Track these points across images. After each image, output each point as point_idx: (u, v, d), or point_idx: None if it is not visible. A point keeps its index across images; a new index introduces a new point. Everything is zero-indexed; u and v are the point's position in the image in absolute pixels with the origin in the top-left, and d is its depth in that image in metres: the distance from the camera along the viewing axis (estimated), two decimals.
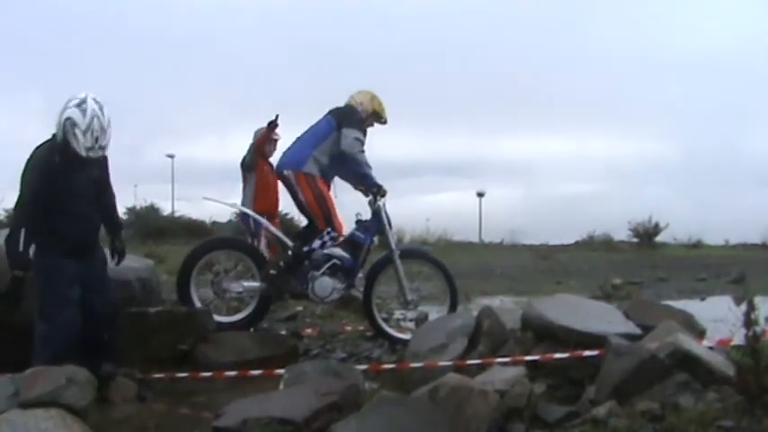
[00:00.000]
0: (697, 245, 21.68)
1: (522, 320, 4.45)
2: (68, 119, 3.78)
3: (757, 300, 3.03)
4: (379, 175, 5.41)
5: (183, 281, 5.20)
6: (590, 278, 10.75)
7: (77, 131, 3.77)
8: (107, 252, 4.30)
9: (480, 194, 32.75)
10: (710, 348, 3.72)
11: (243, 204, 6.83)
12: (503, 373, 3.53)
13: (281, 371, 3.97)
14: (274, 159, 6.36)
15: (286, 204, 6.84)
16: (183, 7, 68.89)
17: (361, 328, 6.14)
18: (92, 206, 4.05)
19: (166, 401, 4.20)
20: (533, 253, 16.54)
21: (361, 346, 5.61)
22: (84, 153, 3.80)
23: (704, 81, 58.85)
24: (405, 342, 5.05)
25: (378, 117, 5.55)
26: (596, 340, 3.80)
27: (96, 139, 3.80)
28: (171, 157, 37.15)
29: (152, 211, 29.79)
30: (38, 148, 3.89)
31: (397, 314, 7.35)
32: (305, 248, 5.22)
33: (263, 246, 6.47)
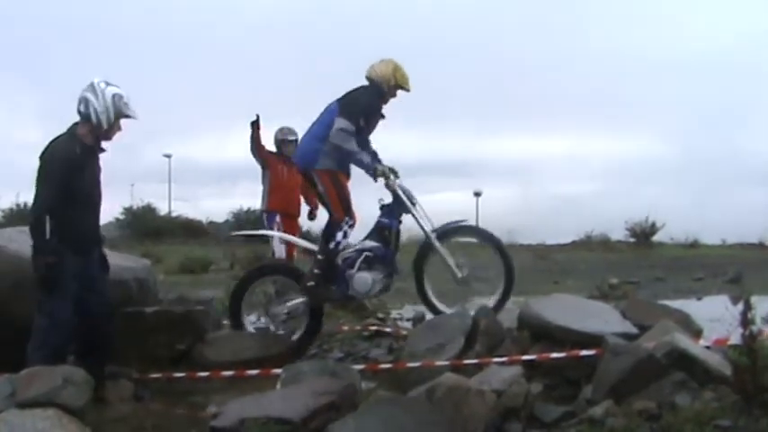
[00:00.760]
0: (694, 244, 21.77)
1: (519, 320, 4.45)
2: (115, 95, 3.96)
3: (754, 299, 3.04)
4: None
5: (234, 310, 5.27)
6: (587, 278, 10.77)
7: (126, 101, 4.00)
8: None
9: (477, 194, 32.89)
10: (707, 348, 3.72)
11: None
12: (500, 373, 3.53)
13: (279, 370, 3.98)
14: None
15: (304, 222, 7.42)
16: (182, 7, 68.92)
17: (358, 327, 6.14)
18: (101, 198, 4.16)
19: (163, 401, 4.20)
20: (530, 253, 16.56)
21: (358, 346, 5.62)
22: (137, 117, 4.06)
23: (703, 81, 59.12)
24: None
25: (400, 88, 5.34)
26: (593, 340, 3.80)
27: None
28: (168, 156, 37.25)
29: (149, 210, 29.74)
30: (56, 140, 3.95)
31: (394, 313, 7.37)
32: (330, 245, 5.11)
33: (275, 245, 6.76)
